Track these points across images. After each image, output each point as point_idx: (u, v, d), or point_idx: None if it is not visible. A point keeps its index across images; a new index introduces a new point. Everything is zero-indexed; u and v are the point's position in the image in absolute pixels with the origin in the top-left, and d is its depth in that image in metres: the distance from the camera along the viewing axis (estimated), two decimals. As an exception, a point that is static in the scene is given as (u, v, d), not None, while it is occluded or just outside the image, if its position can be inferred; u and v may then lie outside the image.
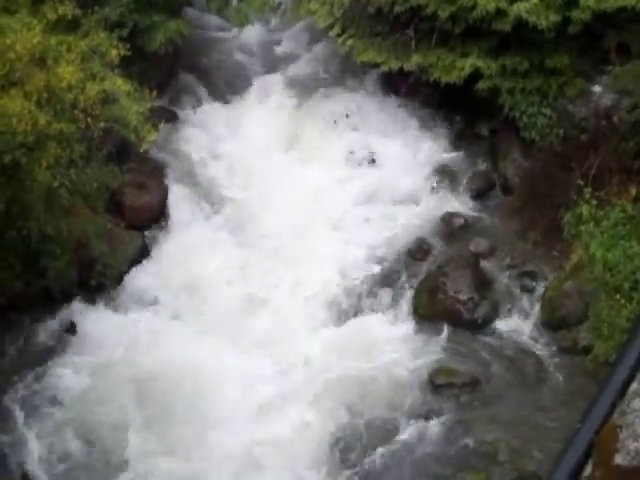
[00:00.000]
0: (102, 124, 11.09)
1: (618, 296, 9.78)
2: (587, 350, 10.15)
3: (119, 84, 11.66)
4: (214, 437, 9.73)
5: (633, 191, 10.97)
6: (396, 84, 14.21)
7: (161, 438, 9.73)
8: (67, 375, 10.47)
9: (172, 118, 13.98)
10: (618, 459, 6.88)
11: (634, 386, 7.59)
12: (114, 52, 11.59)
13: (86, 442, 9.73)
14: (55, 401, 10.20)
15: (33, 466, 9.42)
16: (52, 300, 11.16)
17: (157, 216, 12.57)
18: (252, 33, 16.40)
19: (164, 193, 12.76)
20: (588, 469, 7.13)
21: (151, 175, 12.84)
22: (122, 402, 10.08)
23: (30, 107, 10.01)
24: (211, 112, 14.59)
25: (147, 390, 10.19)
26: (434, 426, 9.72)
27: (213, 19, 16.37)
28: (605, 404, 7.68)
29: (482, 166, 13.20)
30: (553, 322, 10.84)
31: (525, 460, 9.09)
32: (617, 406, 7.53)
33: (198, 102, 14.72)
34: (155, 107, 12.49)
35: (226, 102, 14.77)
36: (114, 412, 9.97)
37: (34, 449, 9.60)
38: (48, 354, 10.73)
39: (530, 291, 11.26)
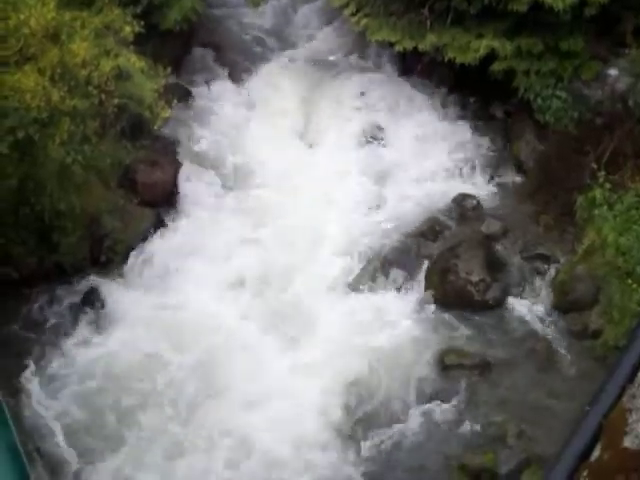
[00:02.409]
0: (116, 100, 11.13)
1: (630, 281, 9.78)
2: (597, 334, 10.16)
3: (133, 61, 11.72)
4: (217, 408, 9.78)
5: (647, 175, 10.95)
6: (410, 64, 14.19)
7: (183, 410, 9.80)
8: (82, 349, 10.50)
9: (186, 95, 13.94)
10: (626, 442, 6.90)
11: (644, 370, 7.60)
12: (128, 29, 11.61)
13: (101, 414, 9.75)
14: (69, 375, 10.20)
15: (51, 440, 9.44)
16: (65, 275, 11.17)
17: (170, 193, 12.52)
18: (267, 11, 16.29)
19: (177, 170, 12.72)
20: (596, 452, 7.16)
21: (164, 152, 12.78)
22: (138, 375, 10.14)
23: (44, 83, 10.05)
24: (225, 90, 14.55)
25: (165, 362, 10.26)
26: (443, 406, 9.73)
27: (228, -3, 16.34)
28: (615, 388, 7.72)
29: (496, 148, 13.14)
30: (564, 305, 10.80)
31: (533, 442, 9.11)
32: (626, 390, 7.55)
33: (212, 79, 14.63)
34: (169, 84, 12.57)
35: (240, 80, 14.72)
36: (129, 386, 10.00)
37: (51, 422, 9.61)
38: (62, 328, 10.75)
39: (542, 274, 11.22)
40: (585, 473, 6.96)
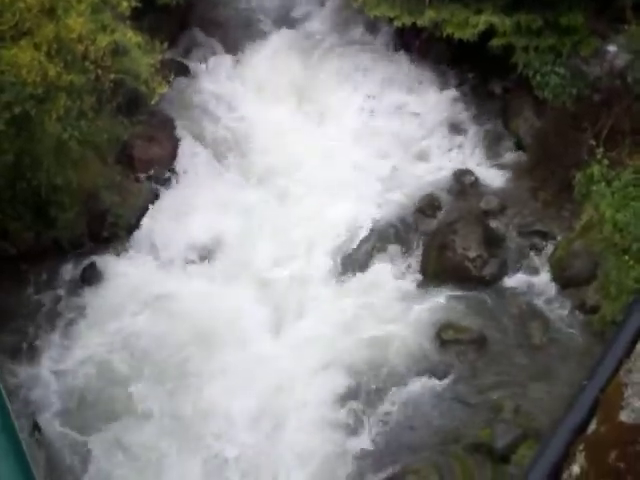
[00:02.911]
0: (112, 76, 11.07)
1: (627, 257, 9.77)
2: (594, 310, 10.17)
3: (130, 36, 11.65)
4: (216, 387, 9.80)
5: (645, 152, 10.93)
6: (409, 40, 14.14)
7: (174, 382, 9.86)
8: (80, 323, 10.55)
9: (183, 71, 13.93)
10: (622, 416, 6.95)
11: (640, 345, 7.63)
12: (125, 4, 11.54)
13: (100, 386, 9.84)
14: (66, 348, 10.26)
15: (49, 410, 9.54)
16: (62, 251, 11.19)
17: (167, 168, 12.50)
18: (266, -13, 16.25)
19: (174, 145, 12.70)
20: (592, 425, 7.20)
21: (161, 127, 12.77)
22: (138, 347, 10.22)
23: (40, 58, 9.99)
24: (222, 66, 14.52)
25: (163, 335, 10.32)
26: (440, 381, 9.76)
27: (226, -27, 16.24)
28: (612, 363, 7.77)
29: (494, 124, 13.11)
30: (561, 281, 10.81)
31: (529, 417, 9.12)
32: (623, 365, 7.58)
33: (210, 56, 14.64)
34: (166, 60, 12.52)
35: (238, 56, 14.68)
36: (128, 358, 10.10)
37: (50, 394, 9.71)
38: (60, 303, 10.78)
39: (539, 250, 11.23)
40: (581, 447, 7.02)
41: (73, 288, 10.97)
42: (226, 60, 14.60)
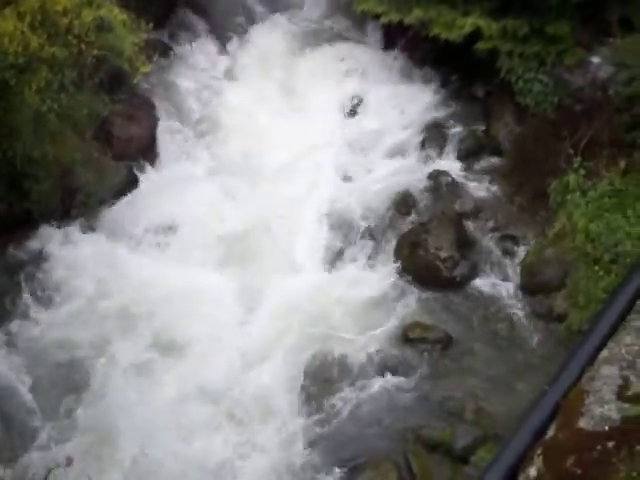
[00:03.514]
0: (95, 52, 11.05)
1: (597, 267, 9.88)
2: (562, 318, 10.21)
3: (115, 13, 11.58)
4: (185, 365, 9.83)
5: (622, 164, 10.97)
6: (395, 37, 14.11)
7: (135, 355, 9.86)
8: (43, 298, 10.51)
9: (167, 52, 13.85)
10: (582, 423, 6.99)
11: (604, 353, 7.69)
12: (112, -20, 11.48)
13: (60, 362, 9.80)
14: (30, 323, 10.23)
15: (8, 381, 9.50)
16: (34, 224, 11.09)
17: (145, 148, 12.42)
18: (255, -25, 16.19)
19: (154, 126, 12.63)
20: (551, 431, 7.24)
21: (142, 107, 12.67)
22: (98, 323, 10.21)
23: (23, 28, 9.94)
24: (208, 50, 14.49)
25: (125, 314, 10.31)
26: (403, 379, 9.75)
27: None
28: (575, 369, 7.82)
29: (474, 127, 13.05)
30: (531, 287, 10.84)
31: (491, 419, 9.16)
32: (585, 372, 7.63)
33: (196, 39, 14.55)
34: (151, 40, 12.44)
35: (224, 40, 14.65)
36: (88, 335, 10.06)
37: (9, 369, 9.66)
38: (25, 276, 10.71)
39: (511, 255, 11.24)
40: (539, 450, 7.04)
41: (37, 262, 10.87)
42: (212, 44, 14.55)
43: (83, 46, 10.73)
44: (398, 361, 9.98)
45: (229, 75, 14.01)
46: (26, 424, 9.16)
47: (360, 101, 13.57)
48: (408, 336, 10.25)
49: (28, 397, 9.45)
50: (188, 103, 13.24)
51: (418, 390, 9.69)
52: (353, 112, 13.47)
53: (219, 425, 9.35)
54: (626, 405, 6.96)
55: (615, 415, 6.97)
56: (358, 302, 10.63)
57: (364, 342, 10.16)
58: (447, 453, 8.90)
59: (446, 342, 10.20)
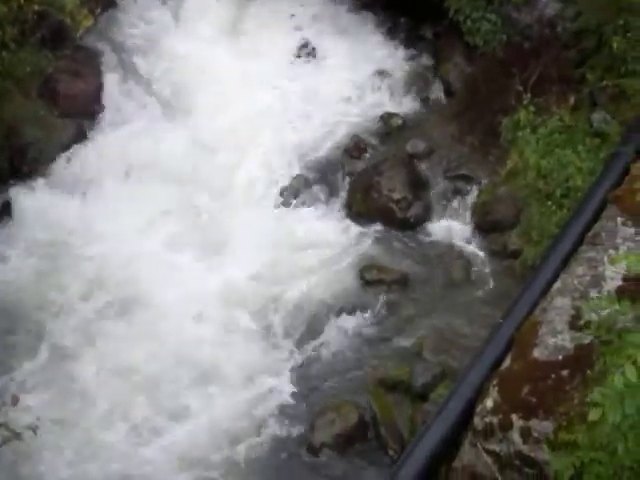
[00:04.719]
0: (36, 7, 10.85)
1: (549, 203, 9.98)
2: (516, 254, 10.28)
3: (56, -35, 11.35)
4: (151, 319, 9.83)
5: (572, 100, 11.03)
6: (343, -16, 13.99)
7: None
8: (6, 254, 10.46)
9: (111, 5, 13.39)
10: (536, 353, 7.10)
11: (557, 285, 7.79)
12: None
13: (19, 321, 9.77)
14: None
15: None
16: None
17: (92, 104, 12.17)
18: None
19: (100, 82, 12.37)
20: (506, 362, 7.34)
21: (87, 63, 12.40)
22: (61, 281, 10.13)
23: (-42, -16, 9.70)
24: (152, 3, 14.12)
25: (85, 271, 10.27)
26: (361, 321, 9.82)
27: None
28: (527, 302, 7.93)
29: (424, 69, 13.04)
30: (485, 226, 10.91)
31: (448, 357, 9.22)
32: (539, 304, 7.73)
33: (140, -12, 14.25)
34: (93, -7, 12.21)
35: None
36: (51, 291, 10.02)
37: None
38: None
39: (464, 194, 11.27)
40: (495, 382, 7.15)
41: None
42: (157, -2, 14.28)
43: (22, 1, 10.52)
44: (355, 303, 10.02)
45: (175, 27, 13.68)
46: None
47: (309, 48, 13.40)
48: (365, 278, 10.30)
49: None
50: (134, 55, 12.94)
51: (377, 331, 9.76)
52: (302, 59, 13.30)
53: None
54: (578, 334, 7.06)
55: (569, 344, 7.09)
56: (312, 247, 10.65)
57: (322, 287, 10.19)
58: (407, 391, 8.96)
59: (403, 283, 10.26)
